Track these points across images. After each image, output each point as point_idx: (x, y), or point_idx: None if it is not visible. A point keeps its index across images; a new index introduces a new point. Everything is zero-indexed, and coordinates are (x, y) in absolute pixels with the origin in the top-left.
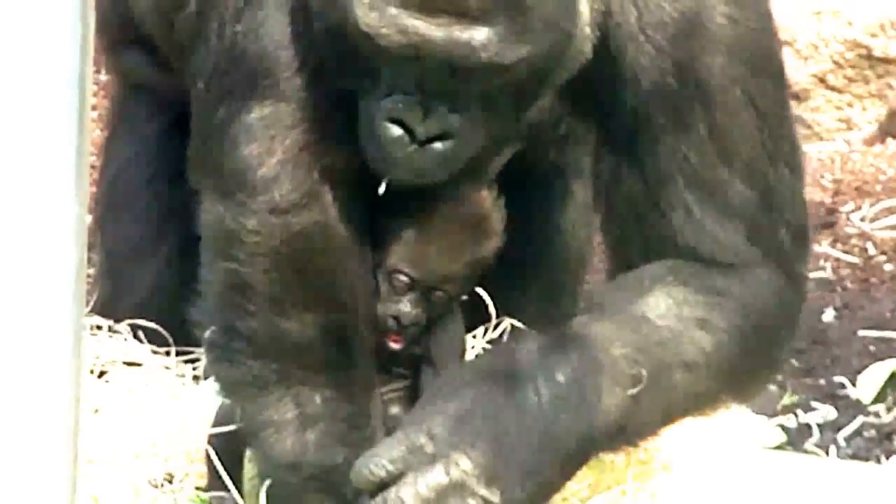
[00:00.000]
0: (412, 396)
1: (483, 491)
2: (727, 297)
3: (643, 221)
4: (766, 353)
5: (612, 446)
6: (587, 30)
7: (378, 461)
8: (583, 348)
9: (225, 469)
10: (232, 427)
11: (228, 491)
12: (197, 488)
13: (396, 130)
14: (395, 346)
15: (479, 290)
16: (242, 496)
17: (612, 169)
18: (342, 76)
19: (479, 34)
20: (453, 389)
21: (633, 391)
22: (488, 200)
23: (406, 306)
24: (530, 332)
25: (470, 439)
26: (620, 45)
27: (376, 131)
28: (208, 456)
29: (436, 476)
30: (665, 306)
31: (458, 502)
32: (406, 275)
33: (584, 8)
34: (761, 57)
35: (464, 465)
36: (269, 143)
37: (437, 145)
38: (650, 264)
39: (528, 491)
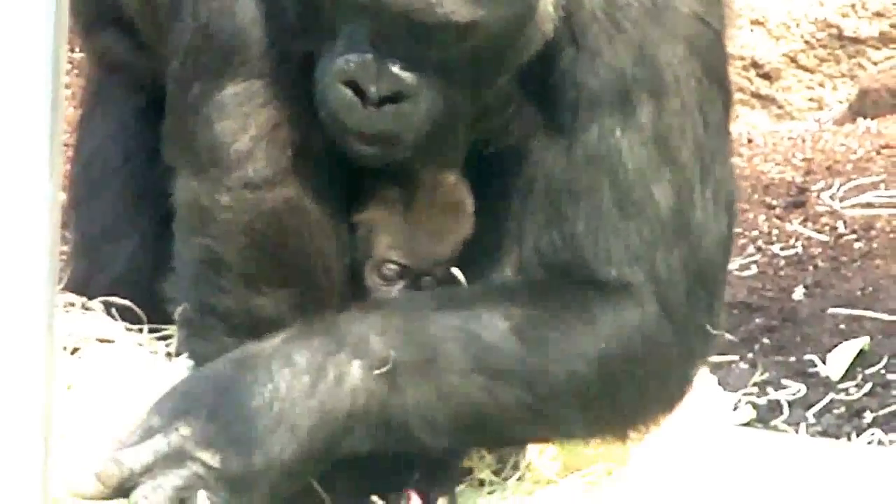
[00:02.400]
0: None
1: (202, 454)
2: (571, 318)
3: (547, 207)
4: (608, 389)
5: (383, 439)
6: (549, 8)
7: (115, 442)
8: (329, 333)
9: None
10: None
11: None
12: None
13: (348, 93)
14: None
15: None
16: None
17: (541, 150)
18: (304, 36)
19: None
20: (194, 374)
21: (380, 371)
22: (461, 184)
23: (396, 293)
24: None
25: (192, 410)
26: (583, 25)
27: (329, 93)
28: None
29: (155, 443)
30: (474, 314)
31: (176, 465)
32: (397, 263)
33: None
34: (717, 65)
35: (182, 431)
36: (243, 119)
37: (391, 107)
38: (492, 281)
39: (256, 463)
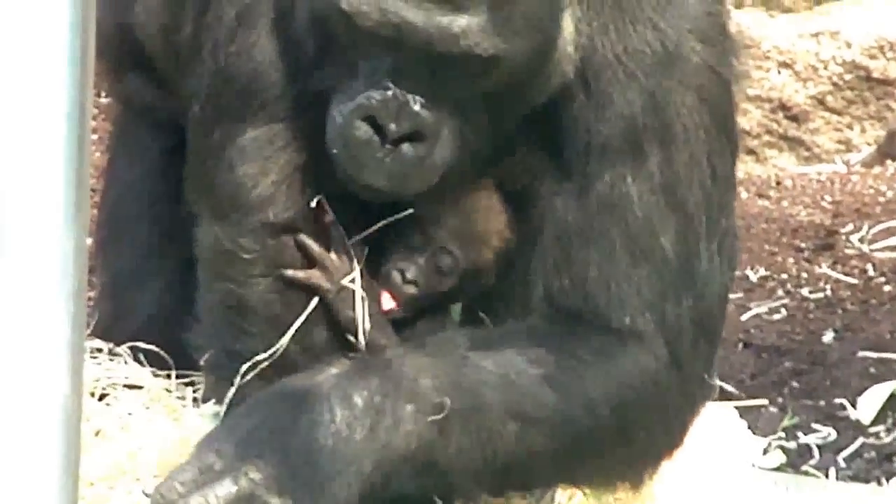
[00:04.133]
0: None
1: (274, 500)
2: (592, 365)
3: (558, 251)
4: (624, 436)
5: (425, 482)
6: (569, 48)
7: (170, 484)
8: (385, 373)
9: None
10: None
11: None
12: None
13: (367, 131)
14: (389, 304)
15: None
16: None
17: (550, 195)
18: (321, 73)
19: (460, 21)
20: (246, 410)
21: (435, 417)
22: (497, 199)
23: (413, 263)
24: (336, 358)
25: (258, 453)
26: (597, 70)
27: (347, 130)
28: None
29: (225, 488)
30: (506, 359)
31: None
32: (421, 228)
33: (569, 24)
34: (726, 115)
35: (252, 476)
36: (263, 163)
37: (409, 148)
38: (518, 322)
39: None
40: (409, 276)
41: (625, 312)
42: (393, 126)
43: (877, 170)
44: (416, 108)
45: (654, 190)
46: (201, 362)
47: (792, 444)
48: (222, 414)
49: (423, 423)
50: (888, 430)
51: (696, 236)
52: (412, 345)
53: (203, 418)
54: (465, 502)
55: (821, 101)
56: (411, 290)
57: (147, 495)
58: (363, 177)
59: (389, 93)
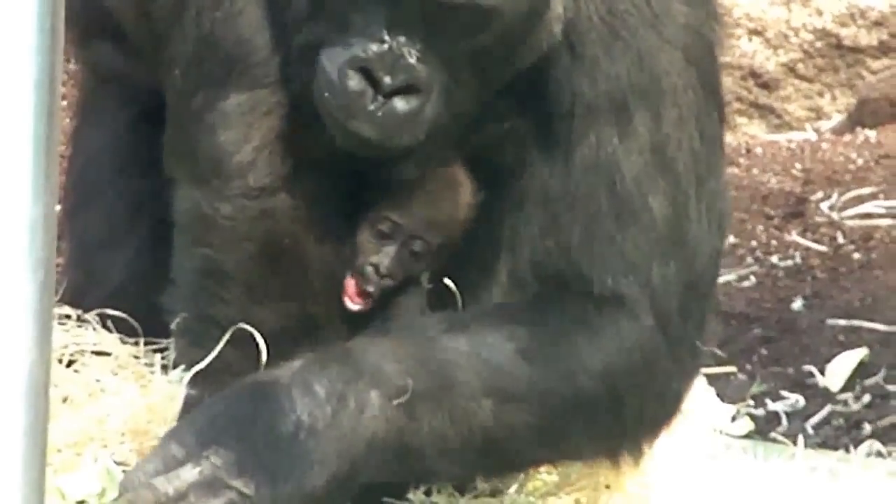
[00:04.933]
0: None
1: (236, 482)
2: (572, 335)
3: (542, 217)
4: (612, 406)
5: (400, 468)
6: (560, 8)
7: (135, 474)
8: (346, 361)
9: None
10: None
11: None
12: None
13: (360, 81)
14: (356, 305)
15: (446, 280)
16: None
17: (535, 161)
18: (312, 25)
19: None
20: (208, 404)
21: (400, 400)
22: (459, 168)
23: (386, 255)
24: (301, 353)
25: (220, 440)
26: (582, 32)
27: (340, 80)
28: None
29: (187, 471)
30: (480, 337)
31: (212, 493)
32: (391, 220)
33: None
34: (712, 76)
35: (214, 460)
36: (246, 129)
37: (401, 101)
38: (505, 301)
39: (286, 492)
40: (383, 269)
41: (608, 276)
42: (388, 79)
43: (847, 138)
44: (412, 60)
45: (642, 150)
46: (173, 326)
47: (760, 412)
48: (187, 379)
49: (389, 409)
50: (856, 398)
51: (685, 197)
52: (376, 332)
53: (171, 385)
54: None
55: (791, 69)
56: (387, 283)
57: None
58: (353, 126)
59: (385, 45)
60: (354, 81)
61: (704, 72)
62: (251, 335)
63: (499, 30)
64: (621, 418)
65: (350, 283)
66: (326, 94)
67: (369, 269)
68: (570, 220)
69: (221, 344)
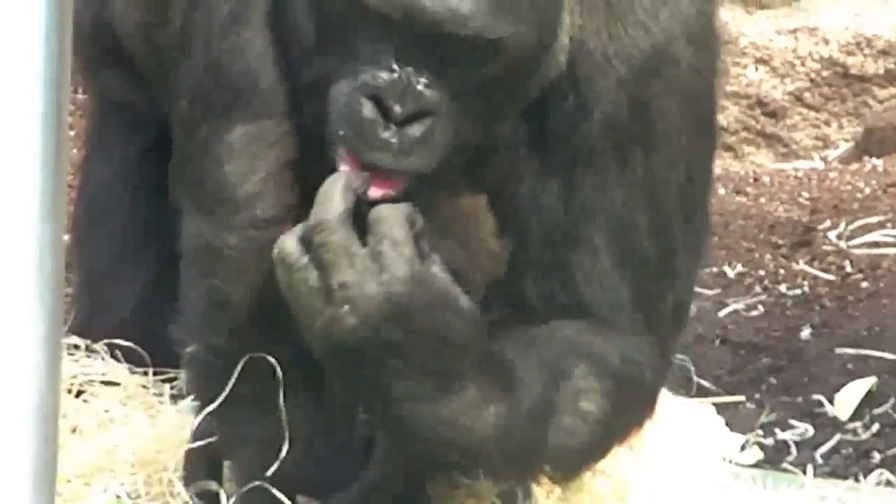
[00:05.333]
0: None
1: None
2: (607, 360)
3: (547, 251)
4: (625, 427)
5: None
6: (566, 39)
7: None
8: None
9: (201, 481)
10: (209, 441)
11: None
12: None
13: (372, 109)
14: None
15: None
16: None
17: (536, 194)
18: (320, 59)
19: (467, 2)
20: None
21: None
22: (481, 205)
23: None
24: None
25: None
26: (587, 70)
27: (352, 108)
28: (185, 472)
29: None
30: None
31: None
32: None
33: (566, 20)
34: (708, 114)
35: None
36: (252, 161)
37: (414, 128)
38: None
39: None
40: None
41: (614, 310)
42: (398, 108)
43: (854, 166)
44: (420, 87)
45: (636, 195)
46: (182, 356)
47: (769, 441)
48: (198, 410)
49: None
50: (865, 427)
51: (673, 237)
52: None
53: (180, 414)
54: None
55: (798, 98)
56: None
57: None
58: (369, 156)
59: (395, 74)
60: (366, 109)
61: (701, 113)
62: (263, 365)
63: (506, 61)
64: (629, 428)
65: None
66: (340, 127)
67: None
68: (572, 259)
69: (233, 379)
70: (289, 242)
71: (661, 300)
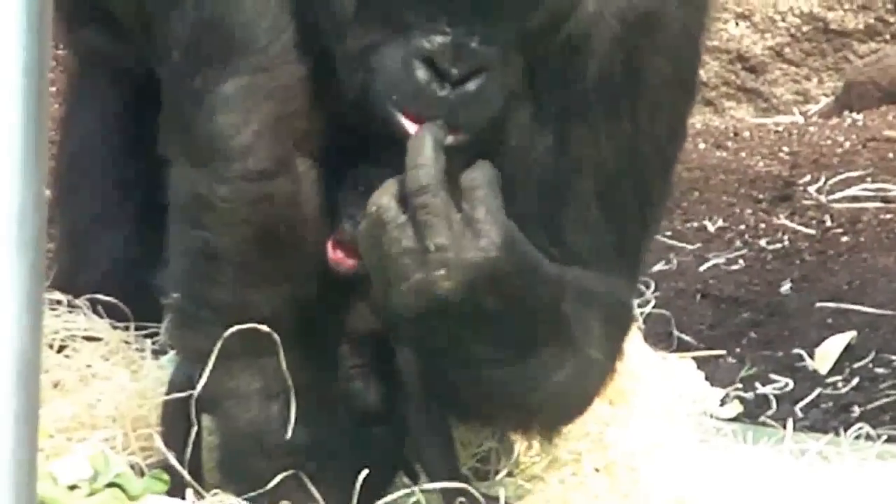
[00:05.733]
0: (375, 372)
1: None
2: (611, 307)
3: (538, 201)
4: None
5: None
6: None
7: None
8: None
9: (179, 436)
10: (188, 394)
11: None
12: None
13: (427, 72)
14: (341, 261)
15: None
16: (199, 464)
17: (529, 145)
18: (362, 29)
19: None
20: None
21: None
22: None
23: (364, 205)
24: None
25: None
26: (583, 27)
27: (407, 73)
28: (162, 426)
29: None
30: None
31: None
32: (369, 175)
33: None
34: (692, 73)
35: None
36: (246, 113)
37: (470, 84)
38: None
39: None
40: (360, 218)
41: (600, 259)
42: (454, 69)
43: (834, 121)
44: (474, 45)
45: (623, 148)
46: (165, 303)
47: (749, 395)
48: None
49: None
50: (845, 381)
51: (650, 188)
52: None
53: (162, 370)
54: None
55: (779, 53)
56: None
57: None
58: (429, 114)
59: (448, 37)
60: (422, 72)
61: (685, 70)
62: (254, 318)
63: (549, 9)
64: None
65: (331, 242)
66: (394, 96)
67: (347, 220)
68: (563, 213)
69: (228, 331)
70: (385, 199)
71: (638, 248)
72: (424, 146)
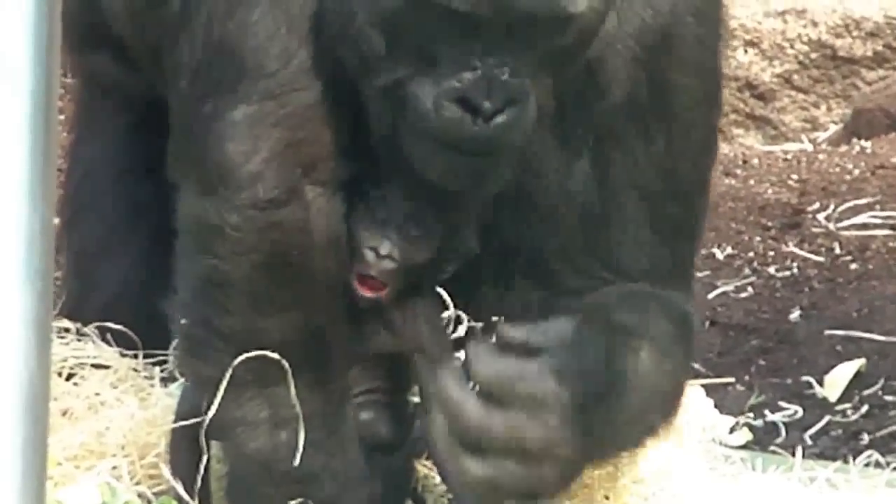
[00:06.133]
0: (386, 401)
1: None
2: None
3: (584, 230)
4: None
5: None
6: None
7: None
8: None
9: (187, 464)
10: (196, 421)
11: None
12: (164, 494)
13: (458, 111)
14: (370, 293)
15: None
16: (208, 493)
17: (563, 174)
18: (391, 66)
19: None
20: None
21: None
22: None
23: (386, 237)
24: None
25: None
26: (601, 52)
27: (440, 113)
28: (171, 451)
29: None
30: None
31: None
32: (386, 203)
33: None
34: (716, 84)
35: None
36: (255, 140)
37: (504, 116)
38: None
39: None
40: (382, 251)
41: (659, 276)
42: (487, 104)
43: (843, 148)
44: (505, 77)
45: (661, 165)
46: (173, 330)
47: (759, 422)
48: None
49: None
50: (854, 408)
51: (692, 201)
52: None
53: (170, 397)
54: None
55: (787, 80)
56: (389, 265)
57: None
58: (462, 149)
59: (478, 71)
60: (453, 111)
61: (710, 84)
62: (263, 345)
63: (578, 31)
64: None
65: (355, 275)
66: (428, 131)
67: (369, 252)
68: (611, 237)
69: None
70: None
71: (690, 261)
72: (449, 392)
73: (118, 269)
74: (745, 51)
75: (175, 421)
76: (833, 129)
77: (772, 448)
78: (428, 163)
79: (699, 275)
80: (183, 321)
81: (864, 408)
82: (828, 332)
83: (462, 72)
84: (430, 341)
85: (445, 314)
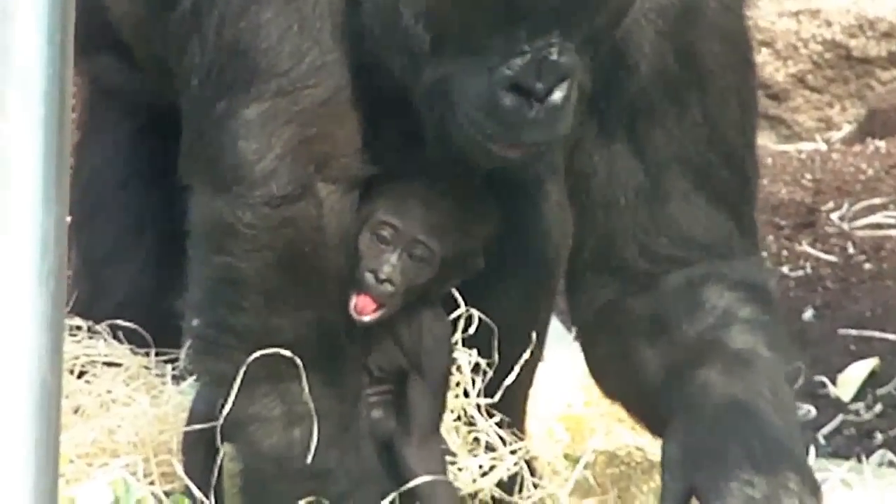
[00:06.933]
0: (396, 402)
1: None
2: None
3: (642, 210)
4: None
5: None
6: None
7: None
8: None
9: (200, 462)
10: (210, 422)
11: (205, 486)
12: (176, 492)
13: (514, 98)
14: (364, 316)
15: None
16: (221, 491)
17: (608, 160)
18: (437, 59)
19: None
20: None
21: None
22: (476, 183)
23: (385, 261)
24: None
25: None
26: (627, 25)
27: (493, 103)
28: (184, 450)
29: None
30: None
31: None
32: (389, 224)
33: None
34: (746, 46)
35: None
36: (268, 137)
37: (556, 95)
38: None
39: None
40: (381, 275)
41: (726, 243)
42: (540, 85)
43: (857, 148)
44: (554, 56)
45: (701, 135)
46: (186, 331)
47: None
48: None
49: None
50: (868, 408)
51: (743, 164)
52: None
53: (182, 395)
54: None
55: (801, 80)
56: (388, 288)
57: None
58: (522, 139)
59: (528, 55)
60: (509, 99)
61: (739, 48)
62: (277, 343)
63: (613, 8)
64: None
65: (353, 294)
66: (483, 123)
67: (368, 275)
68: (669, 212)
69: (251, 357)
70: None
71: (753, 224)
72: None
73: (127, 270)
74: (759, 51)
75: (188, 421)
76: (847, 128)
77: None
78: (484, 154)
79: None
80: (196, 321)
81: (878, 407)
82: (841, 331)
83: (512, 58)
84: (428, 358)
85: (456, 313)
